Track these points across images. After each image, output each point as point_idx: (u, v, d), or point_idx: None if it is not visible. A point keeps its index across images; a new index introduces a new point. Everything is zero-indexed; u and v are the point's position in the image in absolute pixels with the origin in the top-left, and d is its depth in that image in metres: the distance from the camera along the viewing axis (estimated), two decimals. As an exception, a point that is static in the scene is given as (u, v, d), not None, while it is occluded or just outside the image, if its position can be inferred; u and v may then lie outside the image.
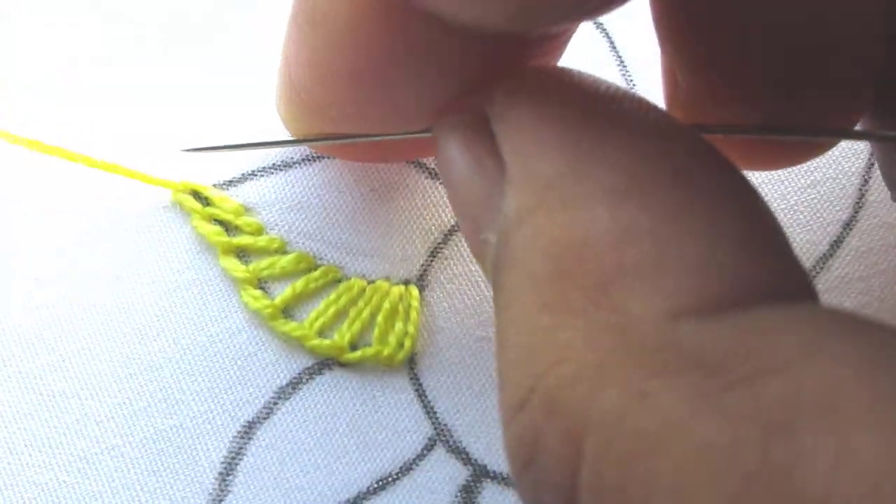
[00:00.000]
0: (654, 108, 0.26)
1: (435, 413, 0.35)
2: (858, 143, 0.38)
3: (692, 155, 0.25)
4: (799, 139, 0.31)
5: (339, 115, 0.31)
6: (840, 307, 0.23)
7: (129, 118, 0.37)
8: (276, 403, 0.34)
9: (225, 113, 0.37)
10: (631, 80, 0.39)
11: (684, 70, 0.30)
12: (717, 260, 0.22)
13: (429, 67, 0.28)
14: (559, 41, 0.30)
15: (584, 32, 0.39)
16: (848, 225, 0.38)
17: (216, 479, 0.34)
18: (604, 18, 0.39)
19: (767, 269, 0.23)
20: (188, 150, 0.35)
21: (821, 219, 0.38)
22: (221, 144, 0.35)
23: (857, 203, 0.38)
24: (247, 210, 0.36)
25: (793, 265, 0.24)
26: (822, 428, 0.18)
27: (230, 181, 0.36)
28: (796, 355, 0.20)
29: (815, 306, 0.23)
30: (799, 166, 0.38)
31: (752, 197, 0.25)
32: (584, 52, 0.39)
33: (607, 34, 0.39)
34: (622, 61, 0.39)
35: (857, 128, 0.31)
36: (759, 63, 0.28)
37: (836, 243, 0.38)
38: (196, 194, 0.36)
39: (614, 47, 0.39)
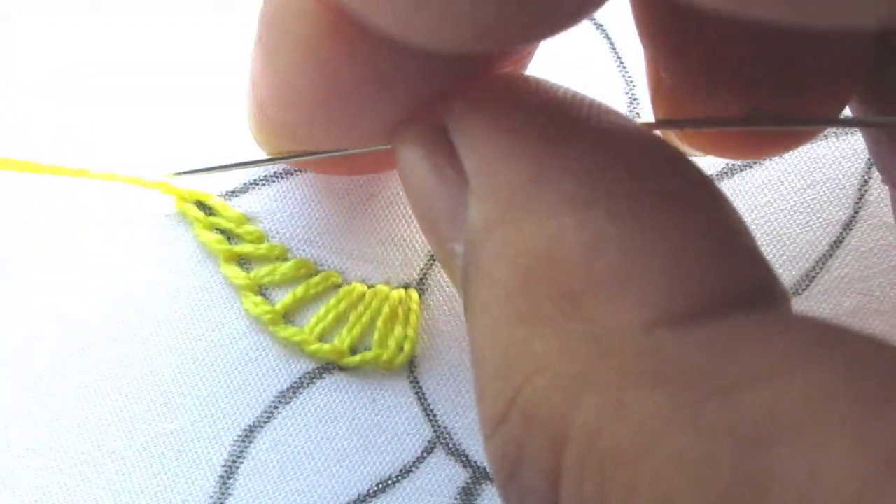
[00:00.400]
0: (616, 113, 0.26)
1: (435, 416, 0.35)
2: (859, 142, 0.38)
3: (657, 159, 0.25)
4: (784, 129, 0.31)
5: (307, 135, 0.31)
6: (815, 316, 0.23)
7: (128, 119, 0.37)
8: (276, 407, 0.34)
9: (224, 112, 0.37)
10: (631, 81, 0.39)
11: (666, 67, 0.30)
12: (688, 267, 0.22)
13: (392, 86, 0.28)
14: (524, 52, 0.30)
15: (584, 33, 0.39)
16: (848, 225, 0.38)
17: (217, 482, 0.34)
18: (603, 19, 0.39)
19: (739, 274, 0.23)
20: (178, 174, 0.36)
21: (820, 219, 0.38)
22: (208, 167, 0.36)
23: (857, 203, 0.38)
24: (249, 219, 0.36)
25: (762, 267, 0.24)
26: (795, 444, 0.19)
27: (232, 191, 0.36)
28: (771, 369, 0.20)
29: (791, 315, 0.23)
30: (798, 167, 0.38)
31: (718, 199, 0.25)
32: (584, 53, 0.39)
33: (607, 34, 0.39)
34: (621, 61, 0.39)
35: (844, 113, 0.31)
36: (741, 56, 0.28)
37: (836, 243, 0.38)
38: (200, 203, 0.36)
39: (614, 48, 0.39)
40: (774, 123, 0.30)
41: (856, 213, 0.38)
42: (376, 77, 0.27)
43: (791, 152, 0.38)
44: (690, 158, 0.25)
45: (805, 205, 0.38)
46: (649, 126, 0.30)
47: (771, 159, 0.38)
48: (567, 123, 0.25)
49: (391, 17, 0.24)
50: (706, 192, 0.25)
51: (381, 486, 0.34)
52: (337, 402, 0.35)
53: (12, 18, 0.38)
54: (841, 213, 0.38)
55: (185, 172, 0.36)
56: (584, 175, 0.24)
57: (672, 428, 0.20)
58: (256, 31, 0.30)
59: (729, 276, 0.23)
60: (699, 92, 0.30)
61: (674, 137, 0.32)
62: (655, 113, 0.31)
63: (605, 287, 0.22)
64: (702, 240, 0.23)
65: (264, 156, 0.34)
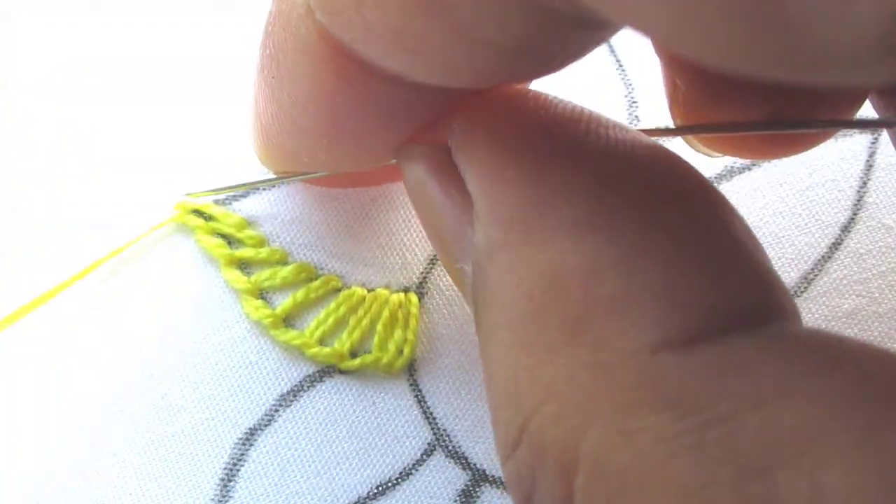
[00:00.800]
0: (618, 127, 0.26)
1: (434, 418, 0.35)
2: (856, 145, 0.38)
3: (657, 175, 0.25)
4: (801, 132, 0.31)
5: (311, 161, 0.31)
6: (822, 331, 0.23)
7: (128, 119, 0.37)
8: (277, 410, 0.35)
9: (225, 112, 0.37)
10: (630, 84, 0.39)
11: (682, 75, 0.30)
12: (690, 289, 0.22)
13: (395, 114, 0.28)
14: None
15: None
16: (846, 227, 0.38)
17: (218, 484, 0.34)
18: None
19: (742, 293, 0.23)
20: (193, 195, 0.36)
21: (819, 221, 0.38)
22: (216, 188, 0.36)
23: (856, 205, 0.38)
24: (249, 223, 0.36)
25: (768, 283, 0.24)
26: (795, 470, 0.19)
27: (233, 196, 0.36)
28: (772, 394, 0.20)
29: (794, 333, 0.23)
30: (797, 169, 0.38)
31: (723, 214, 0.24)
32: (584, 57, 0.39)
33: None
34: (620, 65, 0.39)
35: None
36: None
37: (835, 245, 0.38)
38: (199, 213, 0.36)
39: (613, 51, 0.39)
40: (776, 129, 0.30)
41: (854, 215, 0.38)
42: (379, 108, 0.27)
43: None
44: (697, 168, 0.25)
45: (804, 207, 0.38)
46: (650, 133, 0.30)
47: (770, 162, 0.38)
48: (568, 142, 0.25)
49: (394, 61, 0.24)
50: (711, 208, 0.25)
51: (380, 488, 0.34)
52: (337, 405, 0.35)
53: (12, 18, 0.38)
54: (839, 215, 0.38)
55: (194, 195, 0.36)
56: (584, 197, 0.24)
57: (674, 456, 0.20)
58: (258, 61, 0.30)
59: (731, 296, 0.23)
60: (716, 98, 0.30)
61: (691, 138, 0.32)
62: (674, 119, 0.31)
63: (606, 313, 0.22)
64: (704, 260, 0.23)
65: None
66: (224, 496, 0.34)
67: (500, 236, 0.24)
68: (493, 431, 0.24)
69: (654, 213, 0.23)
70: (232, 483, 0.34)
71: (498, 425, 0.24)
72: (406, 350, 0.35)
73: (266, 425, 0.34)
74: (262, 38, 0.29)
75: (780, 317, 0.23)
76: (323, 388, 0.35)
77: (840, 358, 0.21)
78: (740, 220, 0.25)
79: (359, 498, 0.34)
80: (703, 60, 0.18)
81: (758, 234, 0.37)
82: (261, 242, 0.36)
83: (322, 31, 0.26)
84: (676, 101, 0.31)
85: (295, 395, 0.35)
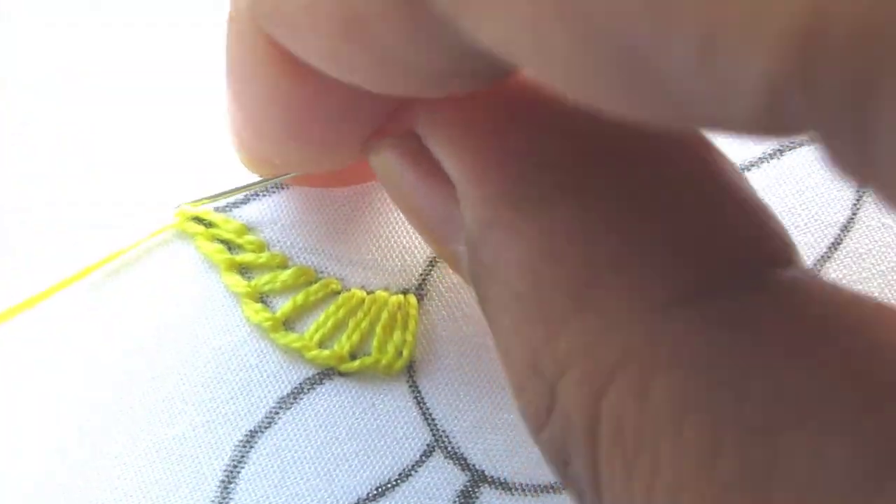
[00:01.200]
0: None
1: (433, 420, 0.35)
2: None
3: (641, 135, 0.24)
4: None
5: (284, 164, 0.31)
6: (829, 282, 0.22)
7: (128, 119, 0.37)
8: (277, 413, 0.35)
9: (224, 112, 0.37)
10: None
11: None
12: (691, 243, 0.22)
13: (355, 111, 0.28)
14: None
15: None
16: (846, 227, 0.38)
17: (218, 487, 0.34)
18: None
19: (746, 240, 0.23)
20: (185, 205, 0.36)
21: (818, 221, 0.38)
22: (212, 195, 0.36)
23: (855, 205, 0.38)
24: (250, 229, 0.36)
25: (769, 224, 0.23)
26: (798, 435, 0.19)
27: (233, 203, 0.36)
28: (779, 356, 0.20)
29: (804, 287, 0.22)
30: (797, 169, 0.38)
31: (712, 158, 0.24)
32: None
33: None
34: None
35: None
36: None
37: (834, 245, 0.38)
38: (199, 219, 0.36)
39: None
40: None
41: (854, 215, 0.38)
42: (338, 106, 0.27)
43: (789, 154, 0.38)
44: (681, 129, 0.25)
45: (803, 207, 0.38)
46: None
47: (768, 161, 0.38)
48: (544, 112, 0.25)
49: (336, 75, 0.24)
50: (701, 159, 0.24)
51: (380, 489, 0.34)
52: (337, 406, 0.35)
53: (12, 18, 0.38)
54: (839, 215, 0.38)
55: (191, 203, 0.36)
56: (569, 162, 0.23)
57: (683, 416, 0.20)
58: (224, 67, 0.30)
59: (733, 246, 0.22)
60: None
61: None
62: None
63: (608, 275, 0.22)
64: (702, 212, 0.23)
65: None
66: (224, 498, 0.34)
67: (489, 214, 0.24)
68: (517, 405, 0.24)
69: (644, 172, 0.23)
70: (232, 485, 0.34)
71: (522, 398, 0.24)
72: (405, 352, 0.35)
73: (266, 427, 0.35)
74: (225, 44, 0.29)
75: (786, 260, 0.23)
76: (323, 390, 0.35)
77: (849, 320, 0.21)
78: (730, 163, 0.24)
79: (358, 499, 0.34)
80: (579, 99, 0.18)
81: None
82: (261, 247, 0.36)
83: (268, 37, 0.25)
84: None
85: (295, 398, 0.35)
